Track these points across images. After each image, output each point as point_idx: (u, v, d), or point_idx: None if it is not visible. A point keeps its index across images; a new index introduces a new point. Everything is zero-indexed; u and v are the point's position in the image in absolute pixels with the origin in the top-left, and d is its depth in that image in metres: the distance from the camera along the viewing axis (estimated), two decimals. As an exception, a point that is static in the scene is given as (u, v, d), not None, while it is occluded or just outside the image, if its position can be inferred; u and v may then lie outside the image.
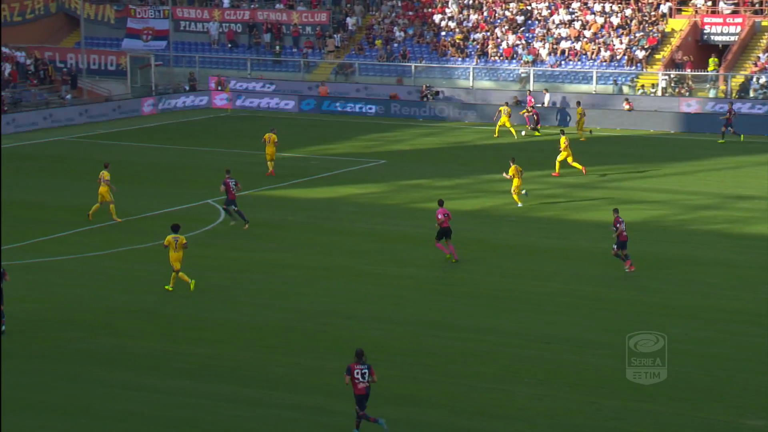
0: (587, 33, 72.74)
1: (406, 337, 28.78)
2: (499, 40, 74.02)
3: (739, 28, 70.64)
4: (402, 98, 69.84)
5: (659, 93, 67.37)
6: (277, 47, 77.57)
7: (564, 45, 72.25)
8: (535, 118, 62.21)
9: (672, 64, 69.64)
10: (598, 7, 74.28)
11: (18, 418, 23.58)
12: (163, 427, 23.45)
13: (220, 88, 72.59)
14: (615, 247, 34.50)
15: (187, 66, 76.73)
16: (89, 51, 75.93)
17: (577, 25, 73.44)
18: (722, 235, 39.83)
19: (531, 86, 69.08)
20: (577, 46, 72.01)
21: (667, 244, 38.57)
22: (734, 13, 71.82)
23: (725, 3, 72.28)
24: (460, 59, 73.74)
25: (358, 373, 22.31)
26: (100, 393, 25.02)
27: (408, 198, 45.40)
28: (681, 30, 71.55)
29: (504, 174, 42.89)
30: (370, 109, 69.24)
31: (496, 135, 60.56)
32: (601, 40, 71.90)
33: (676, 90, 67.83)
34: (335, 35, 77.46)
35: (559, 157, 49.11)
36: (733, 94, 66.03)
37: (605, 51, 70.92)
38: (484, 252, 37.27)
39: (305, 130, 64.17)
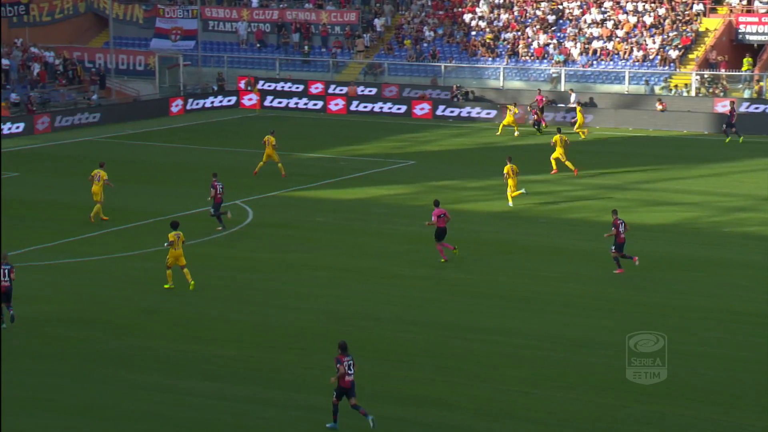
0: (619, 32, 72.20)
1: (433, 339, 28.57)
2: (530, 40, 73.55)
3: (774, 28, 70.02)
4: (433, 98, 69.35)
5: (692, 93, 66.65)
6: (306, 47, 77.29)
7: (596, 45, 71.75)
8: (535, 117, 61.70)
9: (706, 64, 69.05)
10: (630, 7, 73.72)
11: (42, 419, 23.53)
12: (187, 430, 23.29)
13: (249, 88, 72.30)
14: (613, 248, 34.24)
15: (215, 66, 76.72)
16: (118, 51, 75.93)
17: (610, 24, 72.93)
18: (755, 237, 39.30)
19: (562, 86, 68.60)
20: (609, 45, 71.51)
21: (699, 246, 38.16)
22: (770, 12, 71.25)
23: (761, 2, 71.58)
24: (490, 59, 73.32)
25: (346, 366, 22.40)
26: (124, 394, 24.93)
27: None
28: (715, 29, 70.98)
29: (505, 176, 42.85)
30: (399, 109, 68.77)
31: (499, 133, 60.66)
32: (633, 39, 71.33)
33: (710, 90, 67.11)
34: (364, 35, 77.11)
35: (554, 155, 49.03)
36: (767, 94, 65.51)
37: (638, 51, 70.37)
38: (514, 254, 37.00)
39: (334, 130, 64.01)
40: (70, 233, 39.29)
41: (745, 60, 68.28)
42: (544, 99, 65.00)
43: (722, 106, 63.04)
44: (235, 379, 25.66)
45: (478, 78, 72.07)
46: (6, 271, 29.04)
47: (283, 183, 47.13)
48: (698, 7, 72.33)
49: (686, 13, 72.29)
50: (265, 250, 37.23)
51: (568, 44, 72.26)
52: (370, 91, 71.36)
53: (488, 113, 66.57)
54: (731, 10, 71.72)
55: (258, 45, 78.67)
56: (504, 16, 76.02)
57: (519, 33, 74.42)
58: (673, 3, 73.08)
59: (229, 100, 71.99)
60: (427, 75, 73.47)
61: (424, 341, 28.39)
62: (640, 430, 23.17)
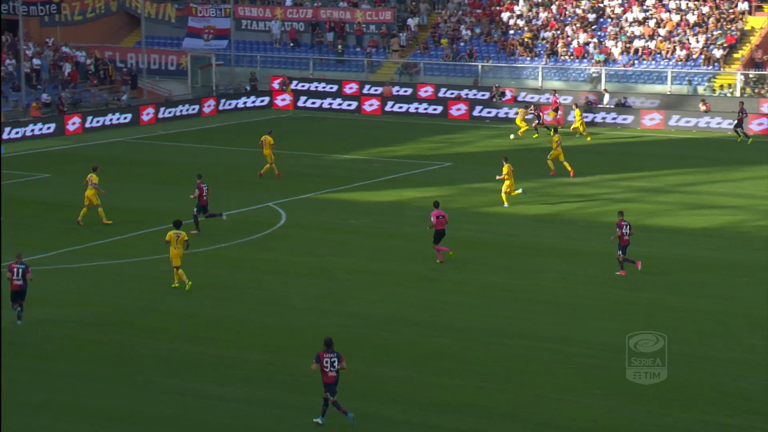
0: (662, 31, 71.18)
1: (470, 344, 28.38)
2: (569, 39, 72.64)
3: (822, 26, 69.04)
4: (470, 98, 68.59)
5: (737, 93, 65.49)
6: (340, 46, 76.58)
7: (637, 44, 70.75)
8: (536, 120, 60.87)
9: (751, 63, 68.04)
10: (673, 5, 72.74)
11: (73, 424, 23.58)
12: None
13: (283, 88, 71.66)
14: (620, 252, 34.05)
15: (248, 66, 76.28)
16: (149, 50, 75.53)
17: (652, 23, 71.92)
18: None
19: (603, 86, 67.65)
20: (651, 45, 70.51)
21: (743, 251, 37.48)
22: (818, 9, 70.21)
23: (808, -1, 70.49)
24: (528, 59, 72.39)
25: (327, 362, 22.95)
26: (156, 399, 24.87)
27: (473, 202, 44.57)
28: (761, 28, 69.92)
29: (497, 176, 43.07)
30: (435, 109, 67.98)
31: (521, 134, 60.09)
32: (676, 38, 70.33)
33: (756, 90, 66.01)
34: (400, 34, 76.32)
35: (551, 155, 49.11)
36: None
37: (681, 50, 69.41)
38: (553, 257, 36.55)
39: (368, 131, 63.68)
40: (101, 235, 39.20)
41: (791, 59, 67.31)
42: (558, 100, 64.53)
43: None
44: (268, 384, 25.53)
45: (516, 78, 71.15)
46: (20, 270, 29.36)
47: (316, 185, 47.02)
48: (743, 5, 71.38)
49: (731, 11, 71.33)
50: (298, 253, 37.12)
51: (609, 43, 71.34)
52: (406, 91, 70.82)
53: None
54: (777, 8, 70.87)
55: (291, 44, 78.13)
56: (543, 15, 75.15)
57: (558, 32, 73.56)
58: (717, 1, 72.15)
59: (262, 101, 71.51)
60: (463, 75, 72.77)
61: (459, 347, 28.15)
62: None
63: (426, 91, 70.13)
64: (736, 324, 29.68)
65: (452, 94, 69.60)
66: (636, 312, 30.71)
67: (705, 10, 71.59)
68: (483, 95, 69.05)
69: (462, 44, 74.92)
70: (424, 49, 75.56)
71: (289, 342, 28.49)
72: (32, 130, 60.03)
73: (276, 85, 72.60)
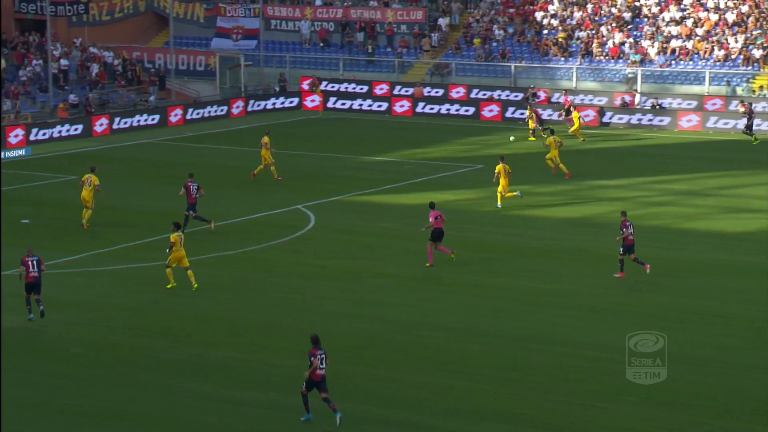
0: (699, 31, 70.26)
1: (502, 350, 28.23)
2: (604, 39, 71.74)
3: None
4: (502, 99, 67.86)
5: (777, 94, 64.63)
6: (370, 47, 75.86)
7: (674, 44, 69.82)
8: (535, 121, 60.26)
9: (791, 63, 66.85)
10: (711, 3, 71.84)
11: (101, 429, 23.58)
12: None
13: (313, 89, 70.96)
14: (621, 250, 33.76)
15: (277, 66, 75.67)
16: (178, 51, 75.11)
17: (689, 22, 70.99)
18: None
19: (638, 87, 66.61)
20: (689, 44, 69.57)
21: None
22: None
23: None
24: (562, 59, 71.50)
25: (319, 360, 22.77)
26: (184, 404, 24.80)
27: (505, 204, 43.69)
28: (801, 27, 68.91)
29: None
30: (467, 111, 67.16)
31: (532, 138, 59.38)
32: (714, 38, 69.39)
33: (794, 91, 65.06)
34: (431, 34, 75.47)
35: (549, 155, 48.98)
36: None
37: (719, 50, 68.43)
38: (587, 262, 36.10)
39: (399, 133, 63.11)
40: (129, 238, 39.03)
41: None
42: (570, 100, 63.79)
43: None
44: (296, 390, 24.74)
45: (550, 79, 70.22)
46: (34, 262, 29.86)
47: (345, 187, 46.67)
48: (783, 4, 70.26)
49: (770, 10, 70.17)
50: (328, 257, 36.83)
51: (645, 43, 70.33)
52: (437, 92, 70.14)
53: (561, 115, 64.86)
54: (818, 7, 69.77)
55: (321, 44, 77.49)
56: (577, 14, 74.24)
57: (593, 32, 72.70)
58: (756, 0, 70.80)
59: (291, 102, 70.92)
60: (496, 76, 71.87)
61: (491, 353, 27.98)
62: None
63: (458, 92, 69.41)
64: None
65: (484, 95, 68.83)
66: (668, 317, 30.21)
67: (744, 9, 70.62)
68: (516, 96, 68.11)
69: (495, 44, 74.05)
70: (456, 49, 74.73)
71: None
72: (59, 132, 59.67)
73: (305, 85, 72.11)
